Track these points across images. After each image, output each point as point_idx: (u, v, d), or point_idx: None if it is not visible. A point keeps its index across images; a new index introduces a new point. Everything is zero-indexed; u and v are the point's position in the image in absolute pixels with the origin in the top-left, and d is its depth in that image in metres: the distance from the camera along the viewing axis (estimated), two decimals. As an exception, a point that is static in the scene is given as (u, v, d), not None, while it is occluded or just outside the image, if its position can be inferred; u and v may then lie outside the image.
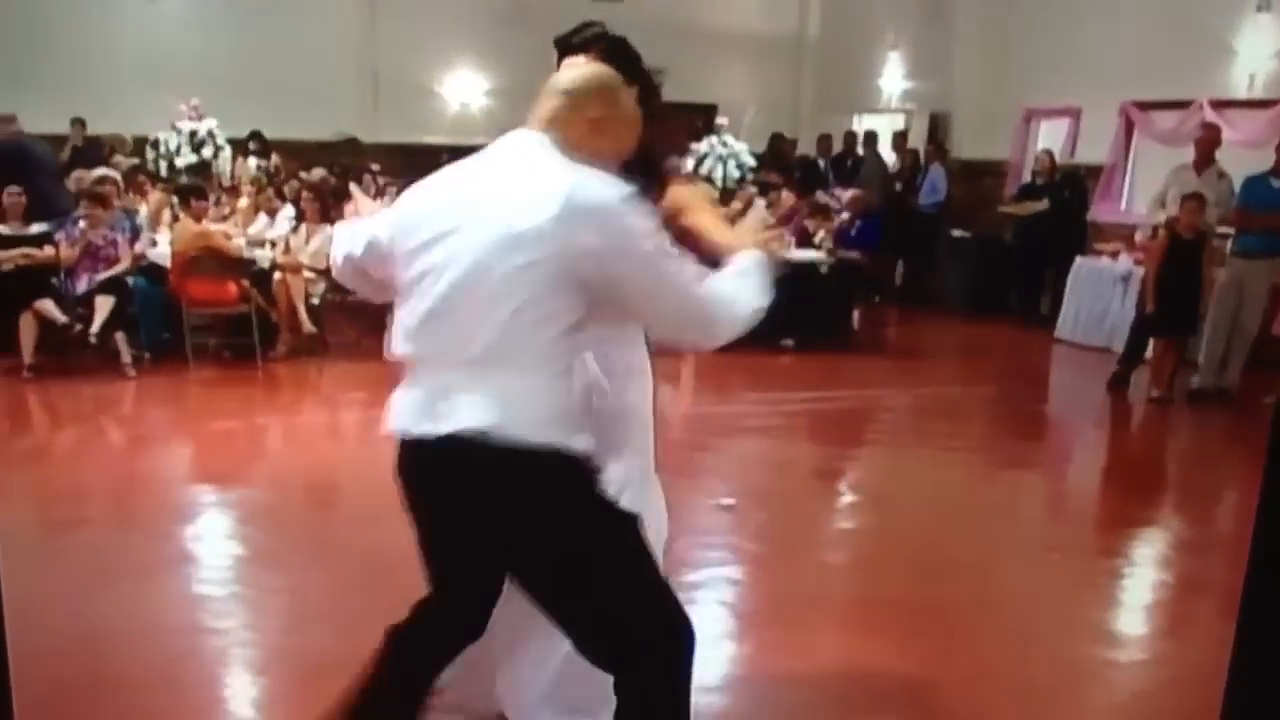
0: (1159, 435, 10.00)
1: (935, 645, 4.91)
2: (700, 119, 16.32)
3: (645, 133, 3.20)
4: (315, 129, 16.86)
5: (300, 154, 15.17)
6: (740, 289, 3.00)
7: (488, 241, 2.76)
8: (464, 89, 19.09)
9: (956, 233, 15.02)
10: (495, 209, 2.80)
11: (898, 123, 18.01)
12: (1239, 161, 10.81)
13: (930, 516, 7.06)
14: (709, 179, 13.83)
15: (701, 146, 14.43)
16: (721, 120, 14.65)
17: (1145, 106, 13.63)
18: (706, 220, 3.45)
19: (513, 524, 2.88)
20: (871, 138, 17.13)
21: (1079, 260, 12.95)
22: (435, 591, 3.15)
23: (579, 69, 3.19)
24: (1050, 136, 15.04)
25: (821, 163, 16.84)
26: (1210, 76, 12.65)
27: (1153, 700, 4.65)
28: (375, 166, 14.93)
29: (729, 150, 14.24)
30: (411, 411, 2.91)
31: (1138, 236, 12.25)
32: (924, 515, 7.08)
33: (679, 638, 2.98)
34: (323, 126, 17.24)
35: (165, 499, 6.95)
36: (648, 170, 3.34)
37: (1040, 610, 5.57)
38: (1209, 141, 10.91)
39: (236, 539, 6.29)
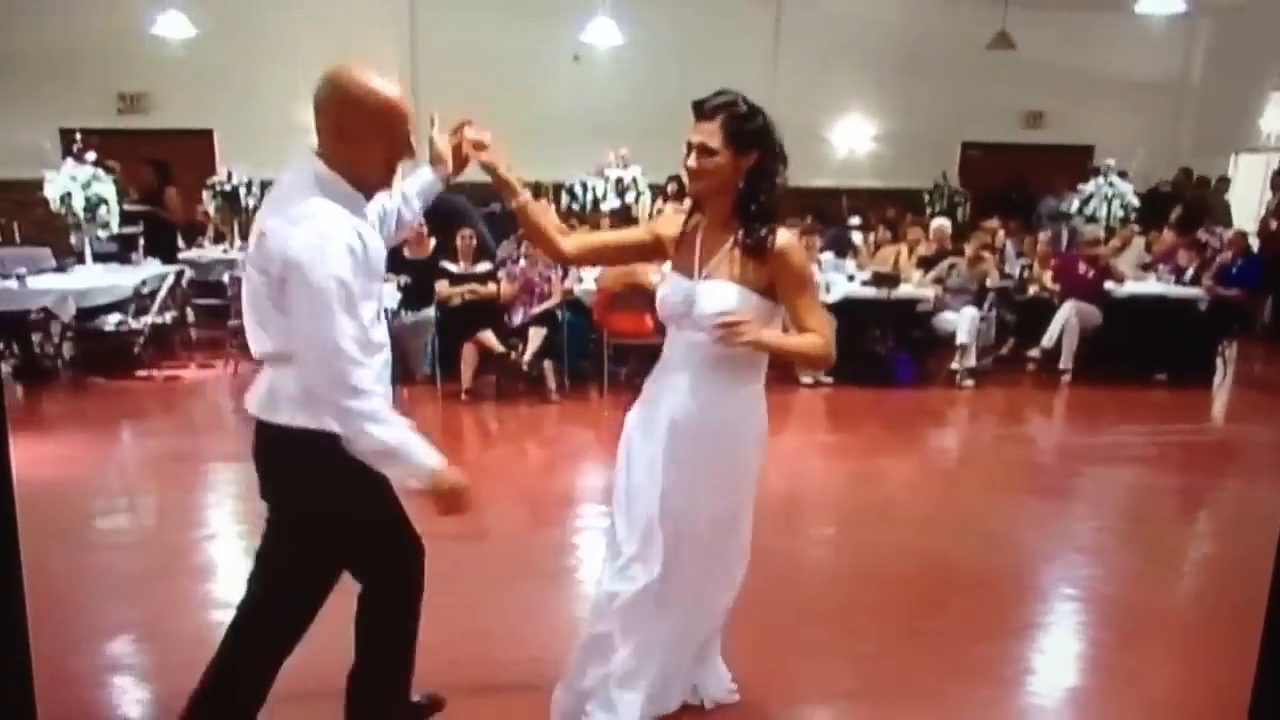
0: None
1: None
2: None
3: (769, 195, 3.88)
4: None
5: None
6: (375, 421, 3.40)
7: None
8: (851, 134, 19.88)
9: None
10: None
11: (1275, 162, 17.96)
12: None
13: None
14: (1093, 218, 14.17)
15: (1088, 187, 14.69)
16: (1109, 161, 14.86)
17: None
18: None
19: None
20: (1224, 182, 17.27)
21: None
22: None
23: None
24: None
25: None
26: None
27: None
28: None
29: (1114, 190, 14.46)
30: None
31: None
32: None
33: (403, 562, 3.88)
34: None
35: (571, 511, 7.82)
36: (765, 218, 3.89)
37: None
38: None
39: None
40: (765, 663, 5.08)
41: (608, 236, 4.80)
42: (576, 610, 5.64)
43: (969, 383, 11.87)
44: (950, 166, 18.90)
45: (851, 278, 12.61)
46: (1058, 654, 5.57)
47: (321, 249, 3.25)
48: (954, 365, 11.97)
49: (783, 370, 11.60)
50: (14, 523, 2.54)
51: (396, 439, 3.43)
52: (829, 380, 11.63)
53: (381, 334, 3.52)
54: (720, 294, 3.91)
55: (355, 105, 3.39)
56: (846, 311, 11.57)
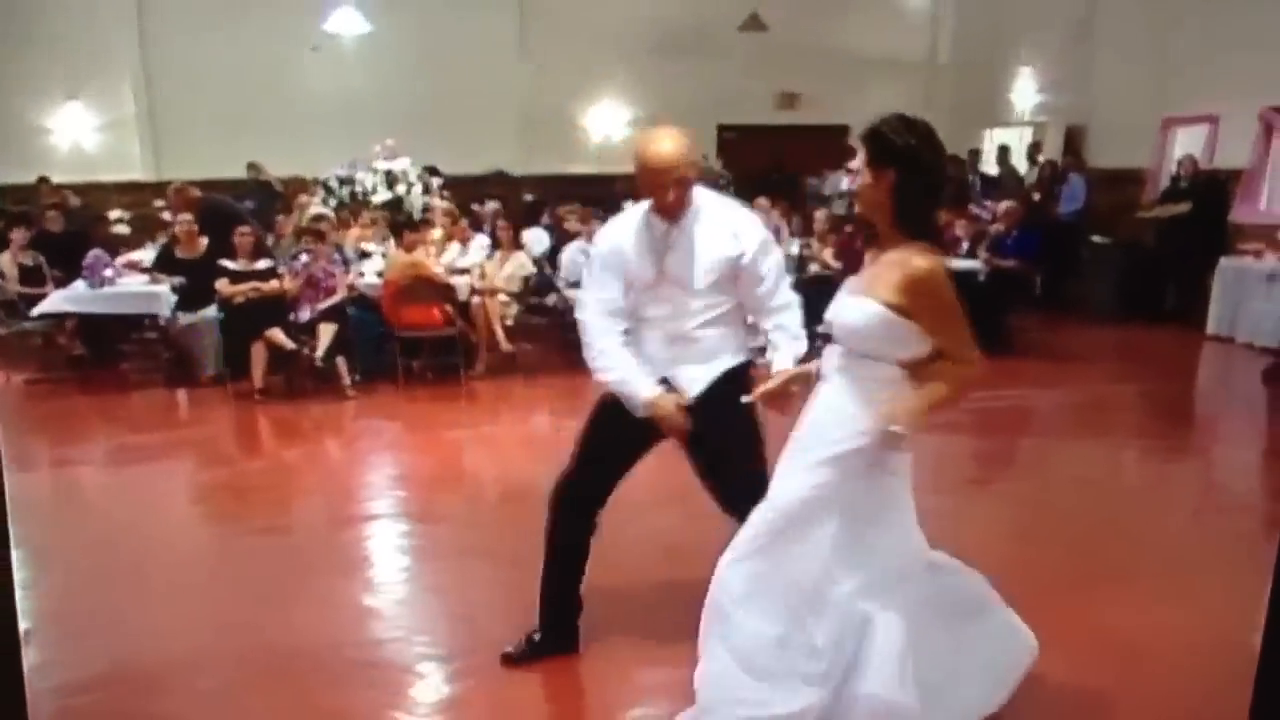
0: None
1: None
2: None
3: (915, 212, 3.96)
4: (469, 164, 17.63)
5: (458, 187, 15.91)
6: None
7: None
8: (607, 121, 19.87)
9: (1097, 239, 15.40)
10: None
11: (1027, 136, 18.65)
12: None
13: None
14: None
15: (855, 164, 14.90)
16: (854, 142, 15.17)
17: (1285, 111, 14.11)
18: None
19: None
20: (1005, 152, 17.81)
21: (1224, 261, 13.39)
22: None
23: None
24: (1185, 144, 15.39)
25: (971, 178, 17.39)
26: None
27: None
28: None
29: (862, 171, 14.70)
30: None
31: (1280, 234, 12.63)
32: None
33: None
34: (476, 161, 18.05)
35: (378, 503, 7.76)
36: (914, 235, 3.97)
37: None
38: None
39: (434, 537, 6.98)
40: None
41: None
42: (371, 601, 5.82)
43: (762, 360, 11.85)
44: (708, 149, 18.99)
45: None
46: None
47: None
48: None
49: (577, 356, 11.53)
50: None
51: (614, 379, 4.68)
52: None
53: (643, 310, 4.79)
54: (862, 310, 3.96)
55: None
56: None
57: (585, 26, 18.72)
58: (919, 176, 3.95)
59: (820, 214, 14.22)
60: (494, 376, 11.43)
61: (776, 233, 13.12)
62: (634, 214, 4.85)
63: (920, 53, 20.74)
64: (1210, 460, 9.08)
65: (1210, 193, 14.15)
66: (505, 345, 11.52)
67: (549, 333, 12.08)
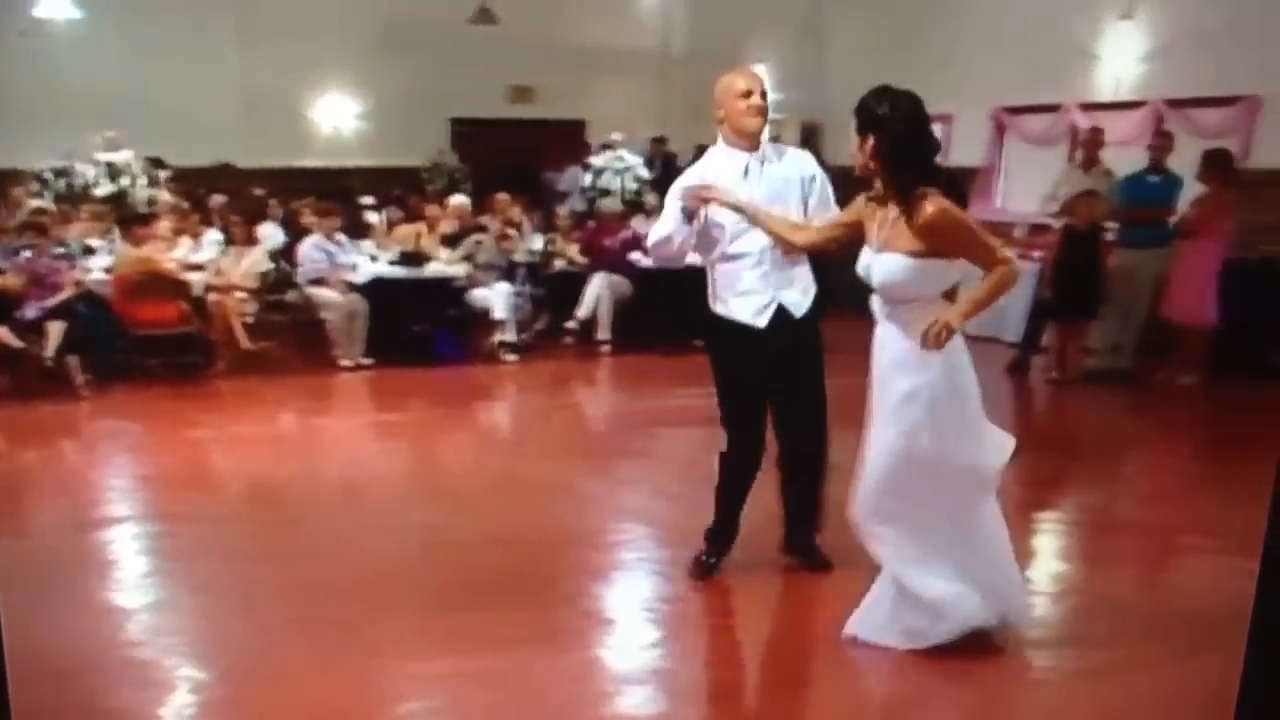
0: (1070, 410, 10.75)
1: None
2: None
3: (903, 169, 4.63)
4: (194, 156, 16.94)
5: (184, 180, 15.33)
6: None
7: None
8: (336, 113, 19.41)
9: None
10: None
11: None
12: (1113, 160, 11.59)
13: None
14: (607, 192, 14.39)
15: (598, 161, 14.92)
16: (616, 136, 15.17)
17: (1015, 111, 14.54)
18: None
19: None
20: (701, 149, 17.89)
21: (961, 258, 13.71)
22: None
23: None
24: None
25: (654, 164, 16.96)
26: (1077, 81, 13.54)
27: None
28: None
29: (625, 165, 14.77)
30: None
31: (1016, 232, 13.02)
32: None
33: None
34: (202, 153, 17.39)
35: (119, 506, 7.48)
36: (908, 190, 4.60)
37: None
38: (1094, 144, 11.60)
39: (187, 537, 6.75)
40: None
41: (841, 219, 5.21)
42: (129, 602, 5.68)
43: (512, 357, 11.81)
44: (442, 143, 18.72)
45: (374, 258, 12.33)
46: (620, 615, 5.64)
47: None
48: (495, 341, 11.87)
49: (321, 354, 11.29)
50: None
51: (658, 230, 5.62)
52: (369, 361, 11.31)
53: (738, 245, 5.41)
54: (889, 265, 4.65)
55: None
56: (377, 293, 11.52)
57: (310, 16, 18.06)
58: (897, 139, 4.60)
59: (563, 210, 14.21)
60: (236, 376, 10.92)
61: (519, 228, 13.07)
62: (711, 156, 5.57)
63: (653, 46, 20.68)
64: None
65: (950, 191, 14.49)
66: (246, 343, 11.04)
67: (290, 330, 11.66)
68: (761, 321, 5.42)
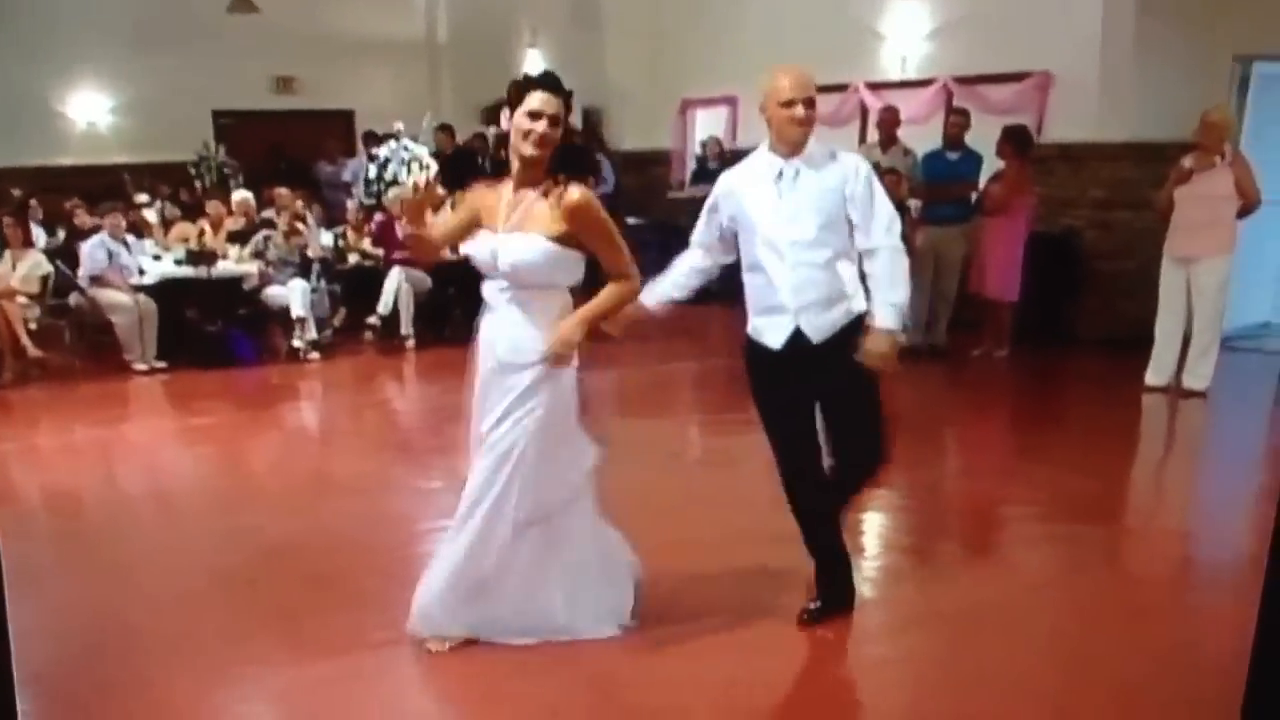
0: (885, 387, 10.84)
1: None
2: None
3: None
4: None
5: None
6: None
7: None
8: (91, 109, 18.63)
9: (631, 220, 15.74)
10: None
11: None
12: (907, 138, 11.92)
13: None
14: (395, 182, 14.10)
15: (382, 151, 14.63)
16: (399, 125, 14.92)
17: (801, 91, 14.71)
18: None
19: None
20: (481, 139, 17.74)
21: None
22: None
23: None
24: (707, 125, 15.90)
25: (480, 159, 16.94)
26: (863, 60, 13.68)
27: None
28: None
29: (410, 154, 14.50)
30: None
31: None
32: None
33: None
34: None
35: None
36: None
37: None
38: (890, 123, 11.81)
39: None
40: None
41: (454, 221, 5.00)
42: None
43: (314, 355, 11.51)
44: (207, 137, 18.12)
45: (158, 257, 11.94)
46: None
47: None
48: (295, 340, 11.54)
49: (111, 359, 10.89)
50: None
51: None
52: (163, 365, 10.95)
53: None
54: (518, 245, 4.54)
55: None
56: (166, 294, 11.18)
57: (57, 8, 17.42)
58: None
59: (350, 204, 13.96)
60: (24, 385, 10.45)
61: (305, 222, 12.79)
62: (755, 156, 5.07)
63: (418, 33, 20.44)
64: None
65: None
66: (33, 350, 10.55)
67: (78, 335, 11.20)
68: (777, 343, 4.95)
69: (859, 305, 4.91)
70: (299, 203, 13.21)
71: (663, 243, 14.85)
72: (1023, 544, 6.66)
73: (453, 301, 12.02)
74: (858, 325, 4.88)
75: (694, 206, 14.48)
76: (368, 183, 14.51)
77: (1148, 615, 5.42)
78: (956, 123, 11.35)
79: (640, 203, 16.19)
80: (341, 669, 4.81)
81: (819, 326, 4.86)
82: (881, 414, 5.03)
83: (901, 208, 10.82)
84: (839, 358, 4.84)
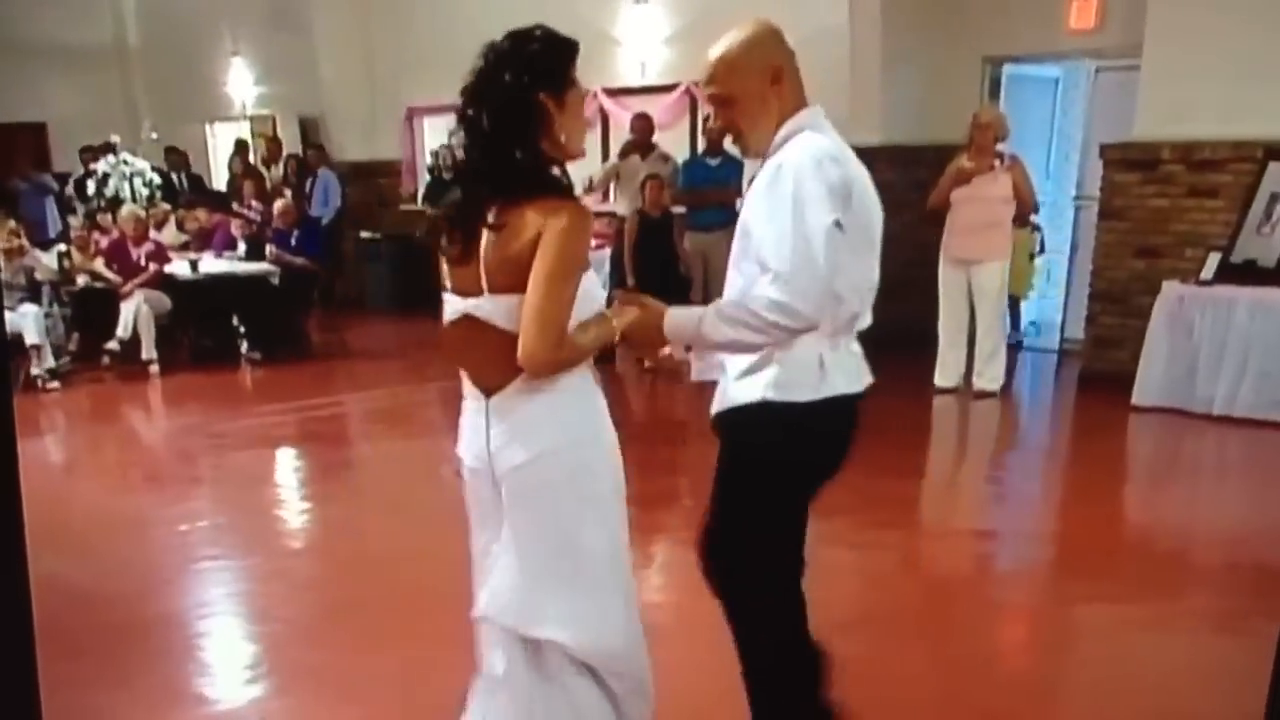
0: (669, 399, 10.65)
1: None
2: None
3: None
4: None
5: None
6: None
7: None
8: None
9: (365, 234, 15.42)
10: None
11: (259, 129, 17.85)
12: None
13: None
14: (118, 199, 13.36)
15: (101, 165, 13.83)
16: (115, 137, 14.14)
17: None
18: None
19: None
20: (242, 148, 17.21)
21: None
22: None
23: None
24: (435, 133, 15.53)
25: (175, 177, 16.12)
26: (600, 67, 13.37)
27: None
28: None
29: (133, 168, 13.78)
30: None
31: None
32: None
33: None
34: None
35: None
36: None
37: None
38: (645, 130, 11.82)
39: None
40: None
41: None
42: None
43: (54, 385, 10.81)
44: None
45: None
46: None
47: None
48: (34, 370, 10.77)
49: None
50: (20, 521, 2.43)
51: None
52: None
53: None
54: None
55: None
56: None
57: None
58: None
59: (74, 220, 13.18)
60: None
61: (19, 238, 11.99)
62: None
63: (105, 38, 19.39)
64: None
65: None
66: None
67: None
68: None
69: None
70: (11, 221, 12.39)
71: (399, 256, 14.87)
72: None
73: (198, 324, 11.54)
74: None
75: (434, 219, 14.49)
76: (85, 199, 13.74)
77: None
78: (717, 129, 11.42)
79: (369, 216, 15.89)
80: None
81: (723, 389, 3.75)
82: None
83: (668, 213, 10.98)
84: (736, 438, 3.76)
